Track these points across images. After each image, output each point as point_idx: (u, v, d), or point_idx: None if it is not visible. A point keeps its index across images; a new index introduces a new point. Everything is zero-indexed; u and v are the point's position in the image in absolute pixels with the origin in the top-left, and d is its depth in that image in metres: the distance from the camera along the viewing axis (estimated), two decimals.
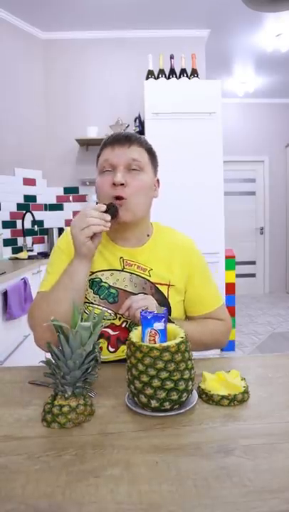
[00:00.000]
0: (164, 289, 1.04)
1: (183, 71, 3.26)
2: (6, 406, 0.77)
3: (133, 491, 0.52)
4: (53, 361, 0.71)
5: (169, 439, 0.64)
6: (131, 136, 1.03)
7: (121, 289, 1.02)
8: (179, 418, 0.70)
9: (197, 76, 3.27)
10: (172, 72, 3.28)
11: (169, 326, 0.78)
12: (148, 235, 1.09)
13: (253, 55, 4.17)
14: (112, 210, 0.95)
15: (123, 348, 1.01)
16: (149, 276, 1.04)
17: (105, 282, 1.03)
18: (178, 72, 3.28)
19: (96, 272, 1.04)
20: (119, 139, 1.01)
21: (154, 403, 0.70)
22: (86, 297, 1.02)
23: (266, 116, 5.69)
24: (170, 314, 1.03)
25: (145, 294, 1.01)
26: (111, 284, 1.03)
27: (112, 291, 1.02)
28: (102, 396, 0.79)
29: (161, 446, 0.62)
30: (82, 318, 0.73)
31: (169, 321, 0.91)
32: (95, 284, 1.03)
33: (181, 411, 0.72)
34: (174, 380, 0.70)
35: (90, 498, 0.51)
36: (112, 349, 1.02)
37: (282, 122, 5.70)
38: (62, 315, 0.83)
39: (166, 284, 1.04)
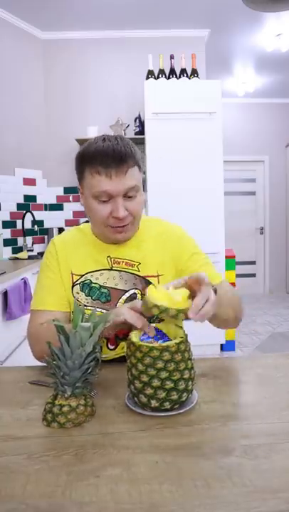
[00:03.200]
0: (154, 281, 1.04)
1: (183, 71, 3.26)
2: (6, 406, 0.77)
3: (133, 491, 0.52)
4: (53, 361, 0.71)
5: (169, 439, 0.64)
6: (125, 156, 0.92)
7: (112, 288, 1.02)
8: (179, 418, 0.70)
9: (197, 76, 3.27)
10: (172, 72, 3.28)
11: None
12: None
13: (253, 55, 4.17)
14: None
15: (122, 344, 1.01)
16: (138, 270, 1.04)
17: (96, 283, 1.03)
18: (178, 72, 3.28)
19: (85, 273, 1.04)
20: (115, 164, 0.91)
21: (154, 403, 0.70)
22: (78, 300, 1.02)
23: (266, 116, 5.68)
24: None
25: (136, 289, 1.02)
26: (102, 284, 1.03)
27: (104, 290, 1.02)
28: (102, 396, 0.79)
29: (161, 446, 0.62)
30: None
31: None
32: (85, 286, 1.03)
33: (181, 411, 0.72)
34: (174, 379, 0.70)
35: (90, 497, 0.51)
36: (111, 346, 1.02)
37: (282, 122, 5.70)
38: None
39: (155, 276, 1.04)
